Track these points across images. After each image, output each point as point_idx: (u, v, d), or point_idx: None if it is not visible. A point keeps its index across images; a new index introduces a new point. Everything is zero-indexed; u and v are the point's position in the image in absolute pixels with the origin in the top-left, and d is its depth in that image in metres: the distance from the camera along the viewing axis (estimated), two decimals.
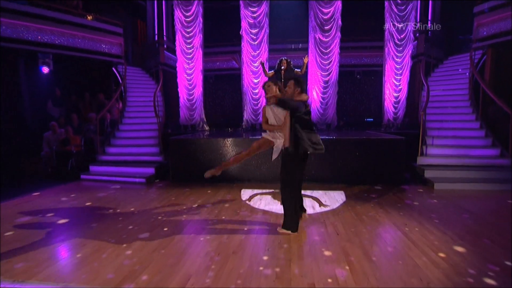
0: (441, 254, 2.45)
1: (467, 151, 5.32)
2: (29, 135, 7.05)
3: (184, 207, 3.94)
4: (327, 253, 2.54)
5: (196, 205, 4.03)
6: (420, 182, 5.08)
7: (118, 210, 3.85)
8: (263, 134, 3.29)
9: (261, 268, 2.31)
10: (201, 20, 8.78)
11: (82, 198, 4.45)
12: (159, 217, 3.54)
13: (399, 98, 8.36)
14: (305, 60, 5.45)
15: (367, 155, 5.08)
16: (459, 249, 2.55)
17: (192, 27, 8.77)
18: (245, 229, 3.11)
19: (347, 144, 5.12)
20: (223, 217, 3.51)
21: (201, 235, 2.98)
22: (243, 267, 2.32)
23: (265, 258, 2.47)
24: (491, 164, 5.03)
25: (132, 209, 3.89)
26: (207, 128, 9.21)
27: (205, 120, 9.17)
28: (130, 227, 3.24)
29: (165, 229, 3.16)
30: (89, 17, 8.64)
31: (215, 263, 2.41)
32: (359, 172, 5.10)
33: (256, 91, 8.57)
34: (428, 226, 3.11)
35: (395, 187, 4.84)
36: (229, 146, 5.39)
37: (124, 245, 2.76)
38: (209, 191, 4.76)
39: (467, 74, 7.23)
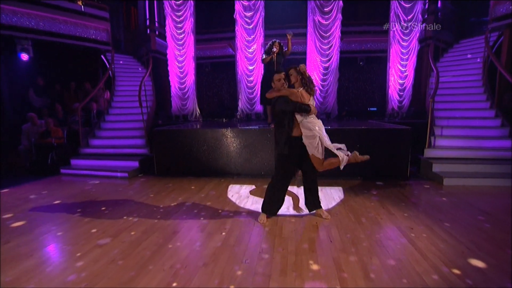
0: (456, 271, 1.99)
1: (480, 143, 4.80)
2: (8, 127, 6.64)
3: (161, 206, 3.52)
4: (315, 267, 2.10)
5: (175, 203, 3.60)
6: (428, 177, 4.60)
7: (88, 210, 3.45)
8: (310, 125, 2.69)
9: (231, 287, 1.88)
10: (192, 3, 8.19)
11: (53, 196, 4.05)
12: (130, 218, 3.13)
13: (404, 85, 7.78)
14: (289, 36, 4.97)
15: (369, 146, 4.57)
16: (478, 263, 2.09)
17: (183, 11, 8.20)
18: (223, 234, 2.68)
19: (347, 135, 4.62)
20: (202, 218, 3.09)
21: (171, 241, 2.56)
22: (211, 285, 1.90)
23: (239, 273, 2.04)
24: (507, 157, 4.50)
25: (103, 208, 3.49)
26: (200, 118, 8.75)
27: (198, 110, 8.70)
28: (94, 230, 2.83)
29: (132, 233, 2.75)
30: (79, 2, 8.11)
31: (179, 278, 1.99)
32: (359, 166, 4.60)
33: (251, 78, 8.04)
34: (437, 231, 2.65)
35: (399, 182, 4.37)
36: (218, 137, 4.93)
37: (79, 254, 2.35)
38: (193, 187, 4.34)
39: (479, 60, 6.62)
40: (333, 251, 2.32)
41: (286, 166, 2.85)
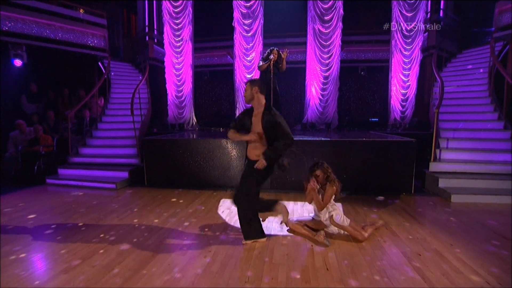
0: None
1: (490, 156, 4.51)
2: None
3: (144, 223, 3.23)
4: None
5: (159, 219, 3.31)
6: (433, 192, 4.29)
7: (63, 226, 3.16)
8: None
9: None
10: (191, 11, 8.12)
11: (30, 209, 3.78)
12: (107, 237, 2.84)
13: (407, 95, 7.56)
14: (284, 55, 4.70)
15: (370, 159, 4.31)
16: None
17: (181, 18, 8.11)
18: (206, 258, 2.38)
19: (347, 147, 4.36)
20: (185, 238, 2.79)
21: (146, 266, 2.27)
22: None
23: None
24: None
25: (80, 224, 3.21)
26: (197, 127, 8.53)
27: (194, 118, 8.49)
28: (63, 251, 2.55)
29: (106, 255, 2.45)
30: (81, 10, 8.07)
31: None
32: (359, 180, 4.34)
33: None
34: (449, 258, 2.34)
35: (402, 198, 4.07)
36: (212, 147, 4.68)
37: (37, 282, 2.06)
38: (181, 201, 4.05)
39: (481, 70, 6.41)
40: (329, 281, 2.02)
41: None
